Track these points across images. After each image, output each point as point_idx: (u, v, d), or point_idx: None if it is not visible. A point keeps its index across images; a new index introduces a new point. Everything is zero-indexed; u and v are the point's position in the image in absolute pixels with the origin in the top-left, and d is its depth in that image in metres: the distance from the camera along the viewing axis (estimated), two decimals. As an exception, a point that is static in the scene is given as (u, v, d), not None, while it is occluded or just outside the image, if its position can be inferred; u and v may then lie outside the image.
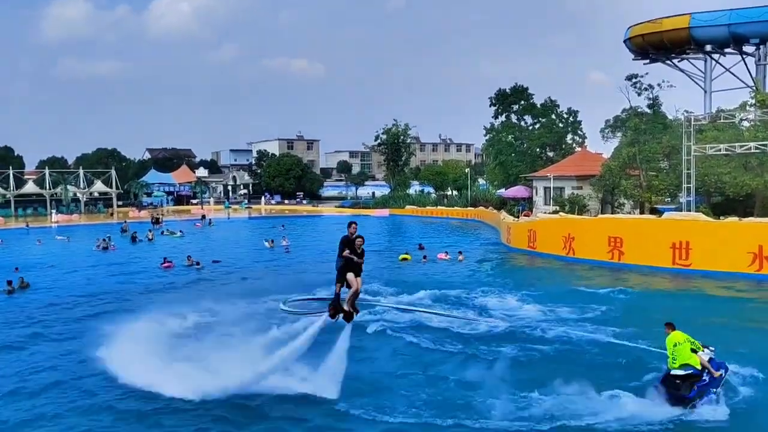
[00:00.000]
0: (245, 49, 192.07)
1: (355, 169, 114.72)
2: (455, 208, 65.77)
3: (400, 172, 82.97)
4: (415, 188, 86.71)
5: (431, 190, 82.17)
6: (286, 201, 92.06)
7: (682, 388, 9.53)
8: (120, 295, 20.63)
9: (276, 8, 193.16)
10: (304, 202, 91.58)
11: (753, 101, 29.69)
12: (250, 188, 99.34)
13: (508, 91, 55.95)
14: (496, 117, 57.18)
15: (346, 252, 10.31)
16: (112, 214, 68.01)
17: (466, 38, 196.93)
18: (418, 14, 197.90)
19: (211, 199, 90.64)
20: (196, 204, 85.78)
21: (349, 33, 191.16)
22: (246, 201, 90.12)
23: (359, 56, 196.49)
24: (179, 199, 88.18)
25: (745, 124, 29.97)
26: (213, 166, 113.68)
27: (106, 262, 29.74)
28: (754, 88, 34.24)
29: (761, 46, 35.85)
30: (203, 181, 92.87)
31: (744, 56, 37.83)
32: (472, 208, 60.63)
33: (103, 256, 32.08)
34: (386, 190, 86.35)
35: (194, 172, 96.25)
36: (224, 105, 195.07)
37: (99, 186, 76.31)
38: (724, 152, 26.52)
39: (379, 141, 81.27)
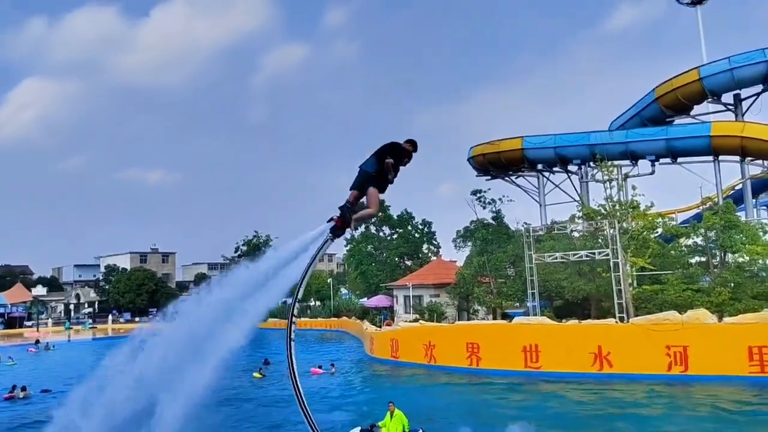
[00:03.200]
0: (95, 159, 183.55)
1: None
2: (318, 318, 65.09)
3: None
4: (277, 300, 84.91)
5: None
6: (137, 319, 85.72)
7: None
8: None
9: (127, 117, 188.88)
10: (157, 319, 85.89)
11: (580, 214, 33.41)
12: (96, 306, 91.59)
13: (366, 203, 58.24)
14: (356, 228, 58.83)
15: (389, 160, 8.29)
16: None
17: (324, 152, 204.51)
18: (277, 127, 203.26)
19: (49, 320, 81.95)
20: (30, 327, 77.01)
21: (208, 143, 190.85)
22: (90, 320, 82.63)
23: (218, 167, 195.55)
24: (10, 322, 78.75)
25: (575, 234, 33.46)
26: (53, 283, 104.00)
27: None
28: (580, 202, 38.67)
29: (582, 166, 40.93)
30: (40, 300, 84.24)
31: (569, 174, 42.87)
32: (336, 319, 60.35)
33: None
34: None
35: (30, 291, 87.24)
36: (70, 218, 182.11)
37: None
38: (560, 260, 29.19)
39: (239, 252, 79.84)
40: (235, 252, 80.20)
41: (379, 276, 53.28)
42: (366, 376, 28.58)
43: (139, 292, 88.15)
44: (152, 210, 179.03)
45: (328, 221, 8.62)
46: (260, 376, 28.16)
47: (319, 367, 29.09)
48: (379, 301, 50.95)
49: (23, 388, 24.60)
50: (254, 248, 79.17)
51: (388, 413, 13.83)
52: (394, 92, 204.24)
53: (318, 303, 76.26)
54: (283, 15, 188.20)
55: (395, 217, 57.96)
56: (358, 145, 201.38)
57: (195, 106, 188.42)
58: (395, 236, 57.63)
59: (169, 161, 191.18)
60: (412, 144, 8.75)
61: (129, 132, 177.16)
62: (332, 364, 29.37)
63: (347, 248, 60.64)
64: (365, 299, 56.60)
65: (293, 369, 8.52)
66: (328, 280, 75.58)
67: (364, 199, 8.66)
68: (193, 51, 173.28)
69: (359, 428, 14.24)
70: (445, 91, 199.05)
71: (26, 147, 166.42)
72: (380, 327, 39.21)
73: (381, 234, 58.47)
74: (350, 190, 8.65)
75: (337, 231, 8.64)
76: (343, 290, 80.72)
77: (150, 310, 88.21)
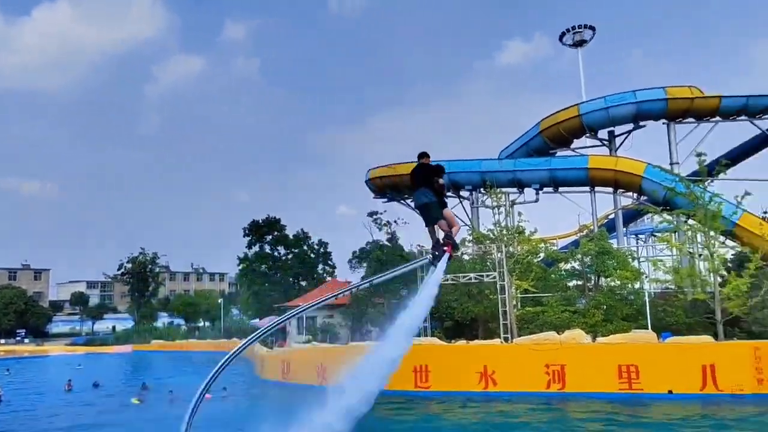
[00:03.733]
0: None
1: (94, 301, 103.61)
2: (207, 340, 62.77)
3: (147, 304, 77.32)
4: (163, 320, 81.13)
5: (182, 322, 77.63)
6: (3, 341, 78.39)
7: None
8: None
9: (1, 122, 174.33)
10: (26, 341, 78.99)
11: (470, 238, 34.71)
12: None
13: (261, 222, 57.20)
14: (249, 247, 57.61)
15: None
16: None
17: (216, 166, 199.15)
18: (166, 138, 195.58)
19: None
20: None
21: (92, 154, 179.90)
22: (-55, 343, 74.52)
23: (100, 179, 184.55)
24: None
25: (465, 257, 34.66)
26: None
27: None
28: (470, 226, 40.21)
29: (473, 192, 42.66)
30: None
31: (461, 199, 44.55)
32: (226, 340, 58.45)
33: None
34: (129, 323, 79.24)
35: None
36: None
37: None
38: (451, 282, 30.09)
39: (123, 270, 75.48)
40: (119, 270, 75.71)
41: (273, 296, 52.34)
42: (256, 399, 27.81)
43: (6, 312, 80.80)
44: (25, 223, 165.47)
45: (438, 254, 9.86)
46: (138, 401, 26.68)
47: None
48: (271, 321, 49.97)
49: None
50: (140, 266, 75.20)
51: None
52: (294, 111, 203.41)
53: (208, 324, 73.55)
54: (180, 26, 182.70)
55: (291, 237, 57.35)
56: (256, 162, 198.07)
57: (79, 113, 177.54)
58: (290, 256, 56.96)
59: (47, 171, 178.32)
60: (428, 156, 10.11)
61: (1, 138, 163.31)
62: (224, 388, 28.39)
63: (240, 268, 59.13)
64: (257, 320, 55.31)
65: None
66: (219, 300, 73.14)
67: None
68: (79, 56, 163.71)
69: None
70: (344, 113, 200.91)
71: None
72: (272, 348, 38.41)
73: (276, 254, 57.56)
74: (429, 225, 9.82)
75: (451, 257, 10.06)
76: (235, 311, 78.46)
77: (18, 331, 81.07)
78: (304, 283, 55.11)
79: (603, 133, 41.31)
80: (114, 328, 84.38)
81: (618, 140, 41.25)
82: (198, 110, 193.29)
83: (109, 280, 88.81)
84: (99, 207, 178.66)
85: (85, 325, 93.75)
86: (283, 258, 57.18)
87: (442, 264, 9.94)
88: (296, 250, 56.91)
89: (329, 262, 57.91)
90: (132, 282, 75.90)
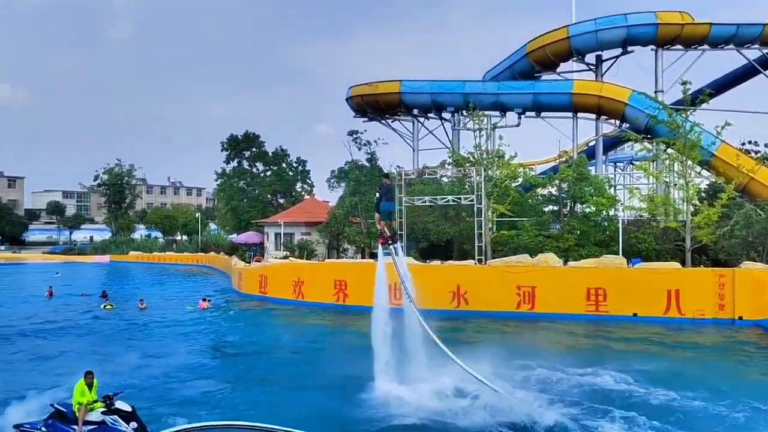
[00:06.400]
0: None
1: (70, 211, 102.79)
2: (185, 253, 63.19)
3: (124, 216, 76.93)
4: (141, 233, 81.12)
5: (159, 234, 77.73)
6: (-22, 247, 78.09)
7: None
8: None
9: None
10: (2, 248, 78.72)
11: (450, 160, 34.58)
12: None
13: (240, 137, 56.27)
14: (228, 162, 56.97)
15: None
16: None
17: (195, 79, 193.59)
18: (143, 48, 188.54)
19: None
20: None
21: (64, 60, 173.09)
22: None
23: (76, 87, 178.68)
24: None
25: (444, 179, 34.72)
26: None
27: None
28: (451, 149, 39.99)
29: (455, 114, 42.13)
30: None
31: (443, 121, 44.03)
32: (203, 254, 58.90)
33: None
34: (107, 235, 79.11)
35: None
36: None
37: None
38: (429, 203, 30.24)
39: (99, 181, 74.44)
40: (95, 180, 74.63)
41: (251, 212, 52.35)
42: (237, 311, 28.39)
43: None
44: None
45: (392, 241, 15.22)
46: (110, 307, 27.69)
47: (204, 299, 28.97)
48: (248, 237, 50.24)
49: None
50: (117, 178, 74.17)
51: (83, 384, 9.74)
52: (273, 22, 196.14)
53: (185, 238, 73.76)
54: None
55: (270, 154, 56.70)
56: (234, 75, 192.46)
57: (47, 17, 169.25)
58: (269, 173, 56.58)
59: (16, 76, 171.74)
60: (389, 177, 15.73)
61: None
62: (206, 299, 29.25)
63: (218, 183, 58.67)
64: (235, 235, 55.57)
65: None
66: (197, 215, 73.06)
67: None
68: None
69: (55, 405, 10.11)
70: (324, 27, 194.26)
71: None
72: (249, 263, 38.80)
73: (254, 170, 57.07)
74: (384, 221, 14.98)
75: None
76: (212, 225, 78.60)
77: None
78: (282, 201, 55.07)
79: (590, 58, 40.50)
80: (92, 238, 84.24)
81: (605, 66, 40.58)
82: (174, 17, 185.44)
83: (86, 190, 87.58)
84: (73, 115, 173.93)
85: (62, 235, 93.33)
86: (262, 174, 56.78)
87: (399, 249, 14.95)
88: (275, 167, 56.47)
89: (308, 180, 57.73)
90: (108, 194, 75.05)
